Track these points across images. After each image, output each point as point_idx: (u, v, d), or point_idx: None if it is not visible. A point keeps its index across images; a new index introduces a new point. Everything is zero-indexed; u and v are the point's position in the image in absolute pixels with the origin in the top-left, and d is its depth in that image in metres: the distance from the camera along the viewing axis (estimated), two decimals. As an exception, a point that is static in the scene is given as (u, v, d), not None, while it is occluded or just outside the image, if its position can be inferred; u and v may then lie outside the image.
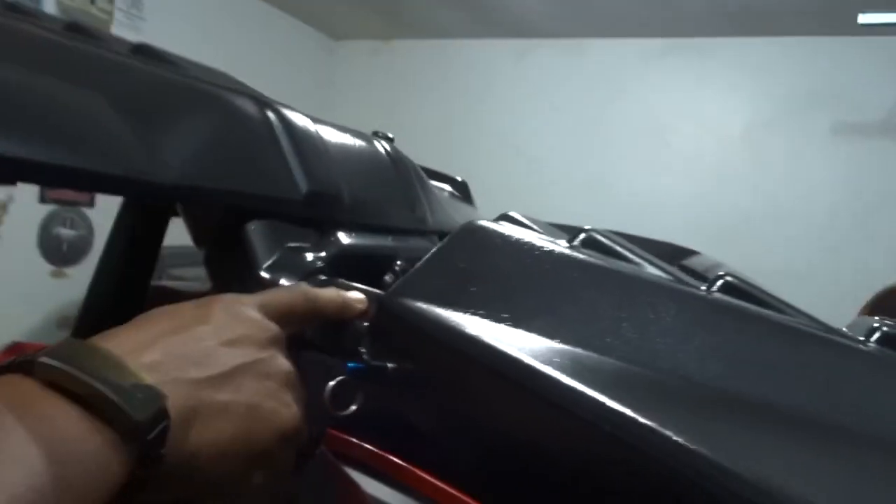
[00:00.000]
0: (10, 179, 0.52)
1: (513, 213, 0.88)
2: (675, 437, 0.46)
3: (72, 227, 3.84)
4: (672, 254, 3.02)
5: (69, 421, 0.36)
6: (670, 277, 0.77)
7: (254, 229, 0.71)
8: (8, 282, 3.50)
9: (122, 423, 0.37)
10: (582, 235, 0.80)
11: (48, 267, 3.77)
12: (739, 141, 5.01)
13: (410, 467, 0.60)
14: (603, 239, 0.81)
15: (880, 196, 4.66)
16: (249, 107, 0.76)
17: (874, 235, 4.65)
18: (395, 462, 0.60)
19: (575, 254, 0.69)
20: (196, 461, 0.41)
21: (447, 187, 1.51)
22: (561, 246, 0.71)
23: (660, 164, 5.15)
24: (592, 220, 3.60)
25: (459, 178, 1.60)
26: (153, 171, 0.60)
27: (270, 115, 0.78)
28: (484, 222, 0.69)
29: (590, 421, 0.48)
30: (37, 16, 0.77)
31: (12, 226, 3.58)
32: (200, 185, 0.66)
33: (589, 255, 0.71)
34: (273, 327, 0.50)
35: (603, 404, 0.49)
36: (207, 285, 0.83)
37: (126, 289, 1.03)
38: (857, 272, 4.54)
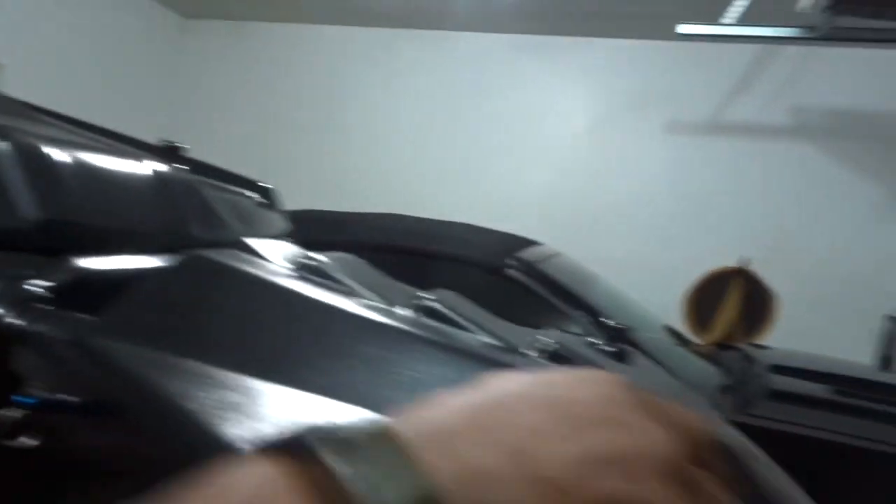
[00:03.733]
0: None
1: (246, 242, 0.92)
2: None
3: None
4: (513, 245, 3.19)
5: None
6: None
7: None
8: None
9: None
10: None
11: None
12: (585, 136, 5.30)
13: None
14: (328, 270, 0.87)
15: (707, 189, 5.09)
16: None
17: (701, 225, 5.07)
18: None
19: (290, 286, 0.75)
20: None
21: (253, 195, 1.53)
22: (295, 283, 0.76)
23: (517, 156, 5.36)
24: (453, 210, 3.73)
25: (267, 185, 1.62)
26: None
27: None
28: (204, 255, 0.74)
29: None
30: None
31: None
32: None
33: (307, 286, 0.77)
34: None
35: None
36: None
37: None
38: (687, 259, 4.94)
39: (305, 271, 0.82)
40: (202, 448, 0.56)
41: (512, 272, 2.94)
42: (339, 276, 0.86)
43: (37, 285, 0.75)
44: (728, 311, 4.76)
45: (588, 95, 5.30)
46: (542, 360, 0.78)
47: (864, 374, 3.27)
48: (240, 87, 5.85)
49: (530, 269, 2.99)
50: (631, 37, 5.09)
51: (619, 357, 1.04)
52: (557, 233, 4.41)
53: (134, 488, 0.66)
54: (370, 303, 0.84)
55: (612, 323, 1.03)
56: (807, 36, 4.12)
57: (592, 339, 1.12)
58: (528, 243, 3.35)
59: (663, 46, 5.05)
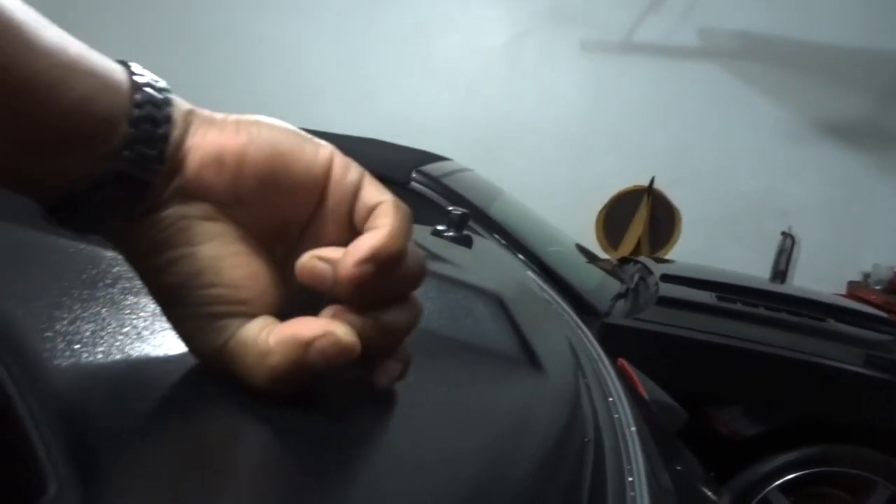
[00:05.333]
0: None
1: None
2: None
3: None
4: (419, 159, 3.20)
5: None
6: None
7: None
8: None
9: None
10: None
11: None
12: (498, 53, 5.27)
13: None
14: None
15: (619, 109, 5.18)
16: None
17: (613, 145, 5.18)
18: None
19: None
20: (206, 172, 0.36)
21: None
22: None
23: (422, 73, 5.29)
24: (352, 129, 3.66)
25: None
26: None
27: None
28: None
29: None
30: None
31: None
32: None
33: None
34: None
35: None
36: None
37: None
38: (598, 179, 5.07)
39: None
40: None
41: (417, 185, 2.96)
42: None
43: None
44: (635, 229, 4.95)
45: (501, 11, 5.24)
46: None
47: (750, 283, 3.47)
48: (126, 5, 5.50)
49: (436, 182, 3.01)
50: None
51: (459, 240, 1.08)
52: (467, 153, 4.43)
53: None
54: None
55: (458, 210, 1.06)
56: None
57: (440, 227, 1.14)
58: (436, 158, 3.36)
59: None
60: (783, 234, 4.84)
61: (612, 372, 0.95)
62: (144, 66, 0.37)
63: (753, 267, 4.36)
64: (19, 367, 0.38)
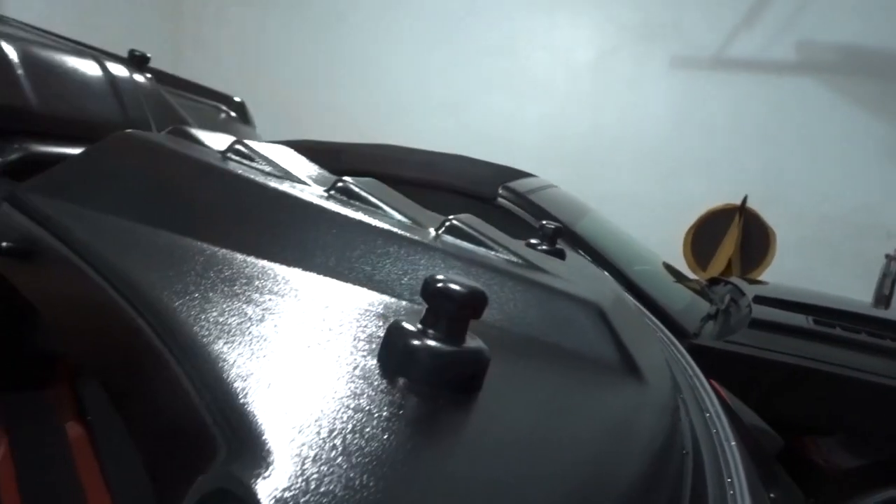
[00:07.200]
0: None
1: (183, 128, 0.98)
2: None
3: None
4: (506, 175, 3.23)
5: None
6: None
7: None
8: None
9: None
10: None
11: None
12: (586, 68, 5.25)
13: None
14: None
15: (709, 125, 5.05)
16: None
17: (702, 162, 5.06)
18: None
19: (223, 165, 0.81)
20: None
21: (222, 107, 1.58)
22: (215, 159, 0.83)
23: (513, 87, 5.33)
24: (443, 139, 3.76)
25: (237, 99, 1.67)
26: None
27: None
28: (133, 132, 0.80)
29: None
30: None
31: None
32: None
33: (238, 167, 0.83)
34: None
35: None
36: None
37: None
38: (686, 196, 4.96)
39: (236, 155, 0.88)
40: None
41: (503, 202, 2.98)
42: (274, 163, 0.92)
43: (-11, 160, 0.82)
44: (726, 248, 4.79)
45: (591, 27, 5.23)
46: (444, 235, 0.83)
47: (851, 308, 3.30)
48: (239, 23, 5.82)
49: (522, 199, 3.03)
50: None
51: (552, 253, 1.09)
52: (556, 167, 4.43)
53: (74, 338, 0.74)
54: (287, 184, 0.90)
55: (552, 224, 1.07)
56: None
57: (534, 240, 1.16)
58: (522, 174, 3.38)
59: (670, -21, 4.96)
60: (887, 256, 4.58)
61: (707, 388, 0.94)
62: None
63: (853, 291, 4.14)
64: (182, 350, 0.43)
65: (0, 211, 0.70)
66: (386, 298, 0.67)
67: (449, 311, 0.44)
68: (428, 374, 0.44)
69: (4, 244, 0.67)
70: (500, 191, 3.01)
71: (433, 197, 3.09)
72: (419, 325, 0.46)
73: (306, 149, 3.26)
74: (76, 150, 0.96)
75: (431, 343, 0.44)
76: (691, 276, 4.23)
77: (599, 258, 2.79)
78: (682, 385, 0.87)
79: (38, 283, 0.68)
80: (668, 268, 3.60)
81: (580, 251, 2.77)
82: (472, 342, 0.46)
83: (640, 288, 2.73)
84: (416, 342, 0.44)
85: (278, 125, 2.89)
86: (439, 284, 0.44)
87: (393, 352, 0.46)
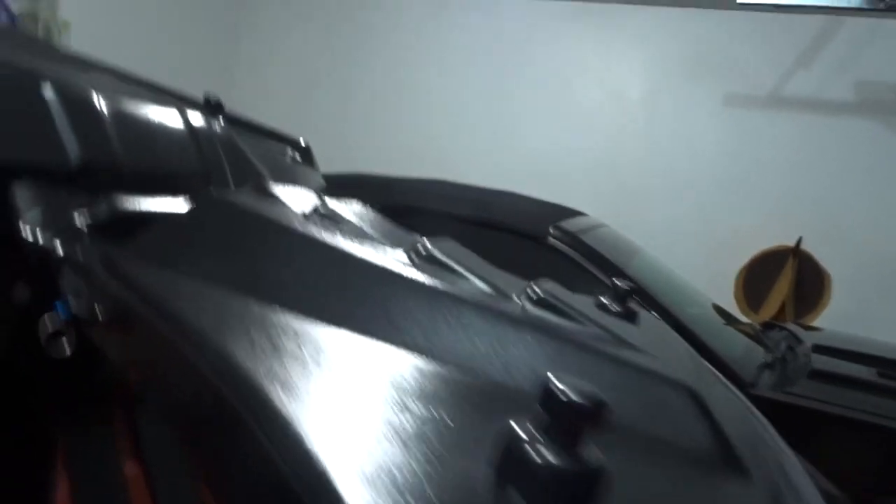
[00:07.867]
0: None
1: (264, 184, 0.98)
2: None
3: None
4: (557, 214, 3.20)
5: None
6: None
7: (18, 191, 0.81)
8: None
9: None
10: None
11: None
12: (637, 103, 5.21)
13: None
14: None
15: (762, 165, 4.96)
16: (16, 80, 0.84)
17: (754, 201, 4.96)
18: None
19: (304, 229, 0.81)
20: None
21: (289, 150, 1.60)
22: (296, 220, 0.82)
23: (564, 121, 5.33)
24: (496, 168, 3.78)
25: (302, 142, 1.68)
26: None
27: (45, 87, 0.87)
28: (223, 195, 0.81)
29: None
30: None
31: None
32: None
33: (321, 231, 0.83)
34: None
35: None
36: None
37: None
38: (736, 235, 4.86)
39: (317, 215, 0.87)
40: (212, 363, 0.63)
41: (555, 241, 2.96)
42: (351, 220, 0.91)
43: (79, 218, 0.83)
44: (779, 291, 4.67)
45: (643, 64, 5.20)
46: (529, 306, 0.81)
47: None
48: (295, 47, 5.98)
49: (573, 239, 3.00)
50: (688, 5, 4.97)
51: (627, 317, 1.06)
52: (605, 203, 4.39)
53: (155, 401, 0.74)
54: (375, 248, 0.89)
55: (624, 284, 1.04)
56: (873, 7, 3.95)
57: (605, 300, 1.13)
58: (573, 213, 3.35)
59: (722, 15, 4.91)
60: (950, 303, 4.42)
61: (797, 466, 0.90)
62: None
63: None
64: (285, 448, 0.42)
65: (94, 275, 0.70)
66: (479, 381, 0.65)
67: (573, 425, 0.42)
68: (546, 493, 0.42)
69: (100, 314, 0.67)
70: (552, 230, 2.99)
71: (485, 234, 3.09)
72: (535, 433, 0.44)
73: (360, 183, 3.29)
74: (159, 202, 0.97)
75: (553, 460, 0.42)
76: (742, 318, 4.12)
77: (652, 302, 2.74)
78: (772, 466, 0.83)
79: (129, 352, 0.68)
80: (719, 310, 3.52)
81: (635, 297, 2.72)
82: (590, 454, 0.44)
83: (695, 335, 2.66)
84: (536, 458, 0.42)
85: (331, 157, 2.92)
86: (563, 397, 0.42)
87: (508, 460, 0.44)
